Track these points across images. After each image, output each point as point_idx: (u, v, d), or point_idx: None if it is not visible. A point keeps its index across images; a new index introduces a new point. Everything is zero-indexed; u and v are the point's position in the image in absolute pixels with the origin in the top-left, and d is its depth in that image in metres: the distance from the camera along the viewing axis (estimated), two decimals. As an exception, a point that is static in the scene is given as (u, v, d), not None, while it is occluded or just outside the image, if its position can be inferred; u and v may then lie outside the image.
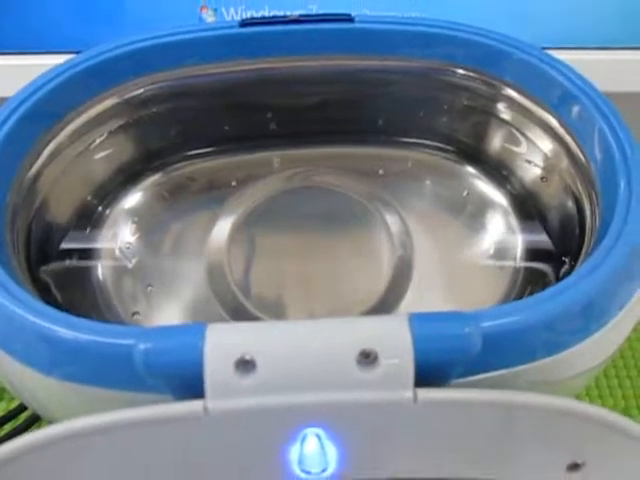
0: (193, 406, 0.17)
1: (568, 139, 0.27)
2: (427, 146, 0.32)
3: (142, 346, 0.18)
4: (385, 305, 0.29)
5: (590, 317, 0.21)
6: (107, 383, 0.20)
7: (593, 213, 0.25)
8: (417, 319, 0.18)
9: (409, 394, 0.17)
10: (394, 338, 0.18)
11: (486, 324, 0.19)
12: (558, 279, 0.27)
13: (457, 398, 0.18)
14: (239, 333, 0.18)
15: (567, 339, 0.21)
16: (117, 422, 0.17)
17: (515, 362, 0.20)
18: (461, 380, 0.19)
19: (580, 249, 0.26)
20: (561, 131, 0.27)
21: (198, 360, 0.18)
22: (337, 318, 0.18)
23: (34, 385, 0.21)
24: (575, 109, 0.26)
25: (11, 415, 0.33)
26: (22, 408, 0.32)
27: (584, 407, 0.18)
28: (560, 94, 0.27)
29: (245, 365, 0.17)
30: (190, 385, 0.18)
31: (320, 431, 0.18)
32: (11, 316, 0.20)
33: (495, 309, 0.21)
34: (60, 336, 0.20)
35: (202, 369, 0.17)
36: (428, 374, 0.18)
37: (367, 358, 0.17)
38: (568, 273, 0.26)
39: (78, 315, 0.26)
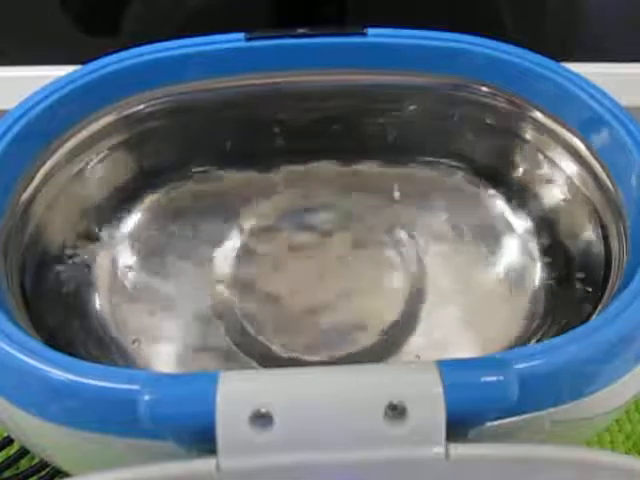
0: (204, 464, 0.16)
1: (595, 164, 0.26)
2: (444, 165, 0.31)
3: (147, 396, 0.16)
4: (398, 333, 0.27)
5: (630, 353, 0.20)
6: (105, 429, 0.18)
7: (621, 243, 0.24)
8: (448, 366, 0.17)
9: (440, 450, 0.16)
10: (424, 389, 0.16)
11: (520, 367, 0.18)
12: (581, 309, 0.26)
13: (493, 454, 0.16)
14: (254, 383, 0.16)
15: (603, 378, 0.20)
16: (120, 482, 0.15)
17: (548, 404, 0.19)
18: (489, 425, 0.18)
19: (605, 279, 0.25)
20: (587, 155, 0.26)
21: (209, 412, 0.16)
22: (360, 366, 0.17)
23: (25, 425, 0.20)
24: (604, 133, 0.25)
25: (5, 442, 0.31)
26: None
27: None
28: (588, 116, 0.25)
29: (261, 419, 0.16)
30: (199, 437, 0.16)
31: (343, 491, 0.16)
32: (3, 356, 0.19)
33: (527, 349, 0.20)
34: (55, 378, 0.18)
35: (214, 422, 0.16)
36: (459, 425, 0.17)
37: (395, 411, 0.16)
38: (592, 303, 0.25)
39: (75, 345, 0.25)
